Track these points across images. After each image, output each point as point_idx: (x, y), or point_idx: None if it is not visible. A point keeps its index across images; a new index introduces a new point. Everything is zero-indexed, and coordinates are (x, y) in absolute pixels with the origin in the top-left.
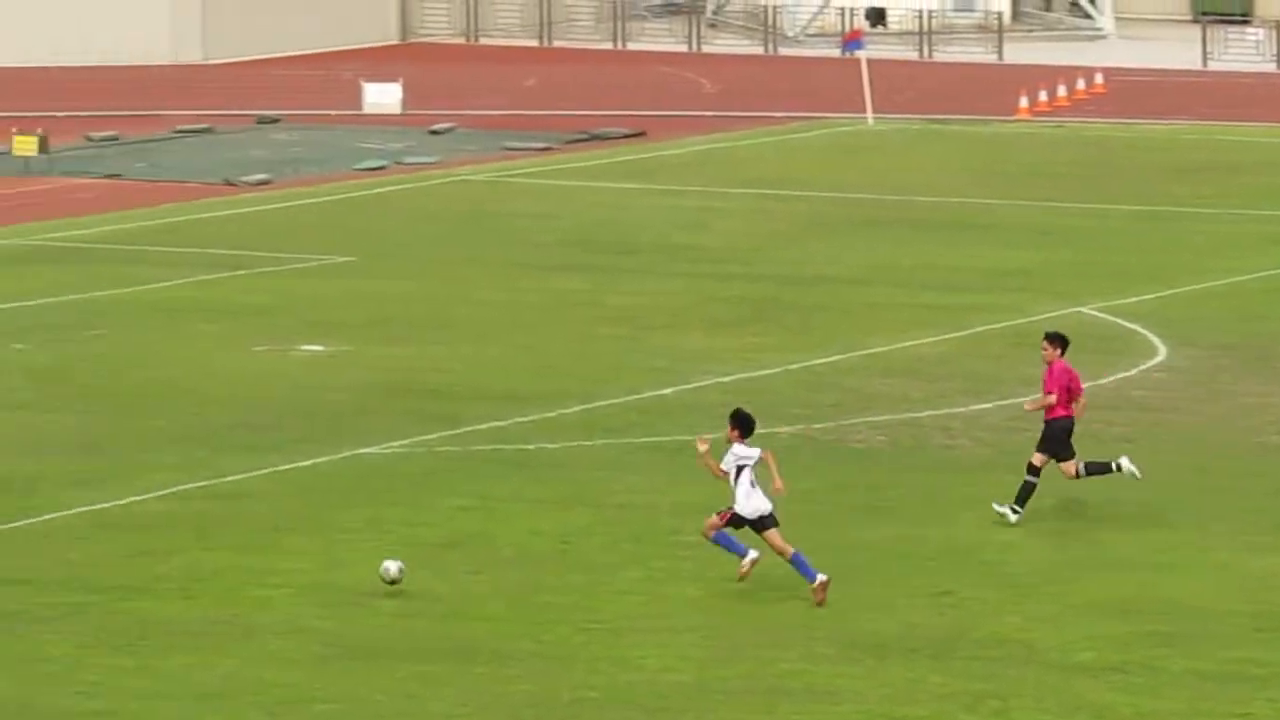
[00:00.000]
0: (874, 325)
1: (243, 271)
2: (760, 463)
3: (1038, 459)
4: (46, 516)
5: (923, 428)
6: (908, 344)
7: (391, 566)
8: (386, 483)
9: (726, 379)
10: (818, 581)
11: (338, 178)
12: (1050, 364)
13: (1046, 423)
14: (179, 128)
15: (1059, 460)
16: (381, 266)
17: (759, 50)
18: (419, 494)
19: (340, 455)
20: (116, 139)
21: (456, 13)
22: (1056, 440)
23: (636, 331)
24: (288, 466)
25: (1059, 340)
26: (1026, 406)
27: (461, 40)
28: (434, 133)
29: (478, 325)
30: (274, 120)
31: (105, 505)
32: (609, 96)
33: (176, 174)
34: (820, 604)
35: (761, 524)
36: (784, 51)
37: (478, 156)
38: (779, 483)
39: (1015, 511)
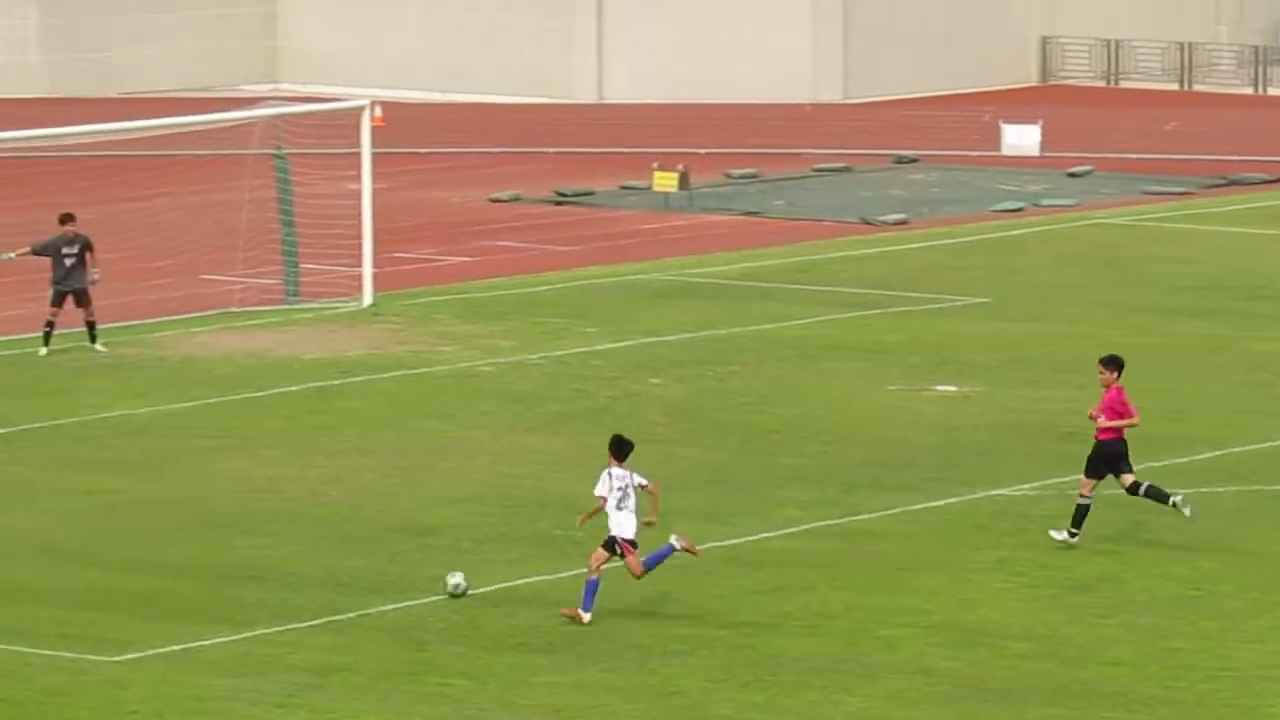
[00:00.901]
0: None
1: (877, 311)
2: (643, 490)
3: (1086, 485)
4: None
5: None
6: None
7: (453, 580)
8: (1017, 524)
9: None
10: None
11: (974, 219)
12: (1107, 388)
13: (1095, 443)
14: (817, 166)
15: (1115, 475)
16: (1015, 308)
17: None
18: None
19: (972, 496)
20: (756, 176)
21: (1097, 55)
22: (1101, 461)
23: (1273, 378)
24: (919, 506)
25: (1114, 364)
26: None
27: (1101, 83)
28: (1072, 175)
29: None
30: (912, 160)
31: (736, 541)
32: (1249, 142)
33: (813, 212)
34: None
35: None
36: None
37: (1115, 200)
38: (653, 517)
39: (1072, 534)
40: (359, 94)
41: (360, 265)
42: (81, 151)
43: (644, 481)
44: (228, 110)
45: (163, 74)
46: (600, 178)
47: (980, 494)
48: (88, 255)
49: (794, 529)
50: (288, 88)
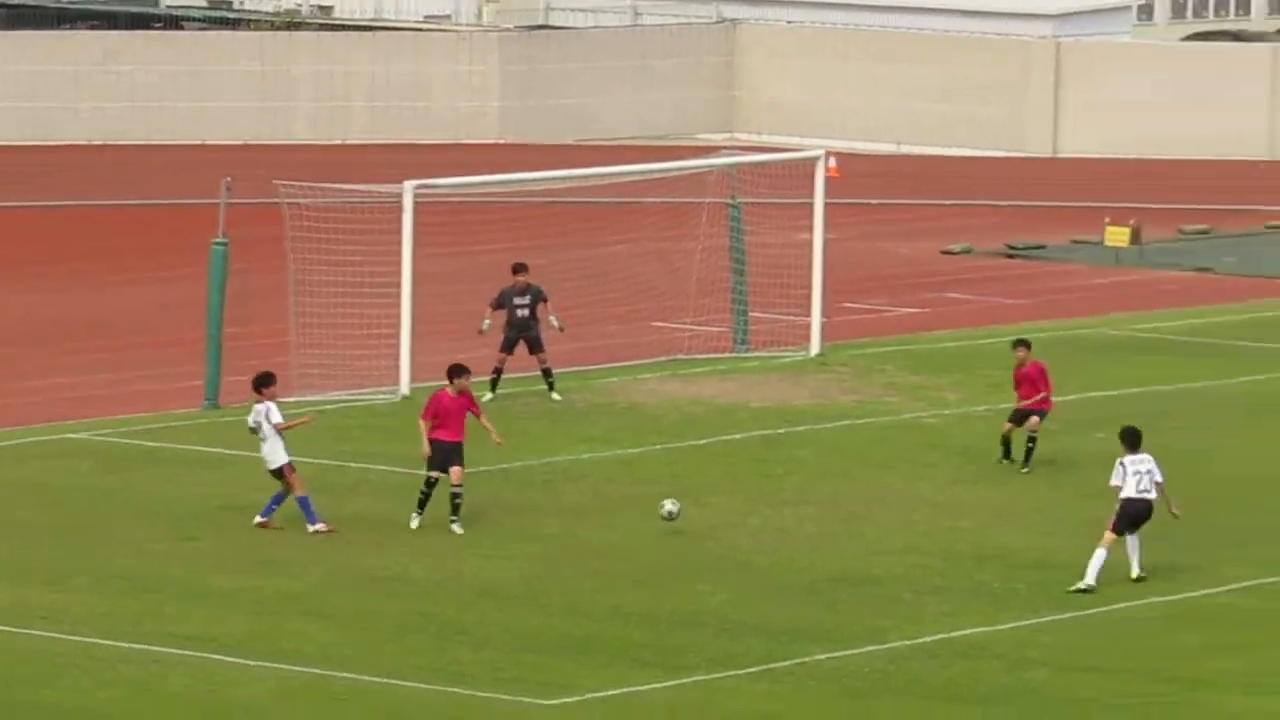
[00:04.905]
0: None
1: None
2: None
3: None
4: (1119, 605)
5: None
6: None
7: (667, 506)
8: None
9: None
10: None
11: None
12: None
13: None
14: (1271, 223)
15: None
16: None
17: None
18: None
19: None
20: (1208, 232)
21: None
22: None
23: None
24: None
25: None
26: None
27: None
28: None
29: None
30: None
31: (1177, 597)
32: None
33: (1267, 269)
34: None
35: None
36: None
37: None
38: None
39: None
40: (814, 144)
41: (809, 315)
42: (537, 199)
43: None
44: (684, 158)
45: (620, 122)
46: (1052, 232)
47: None
48: (540, 306)
49: (1235, 586)
50: (743, 137)
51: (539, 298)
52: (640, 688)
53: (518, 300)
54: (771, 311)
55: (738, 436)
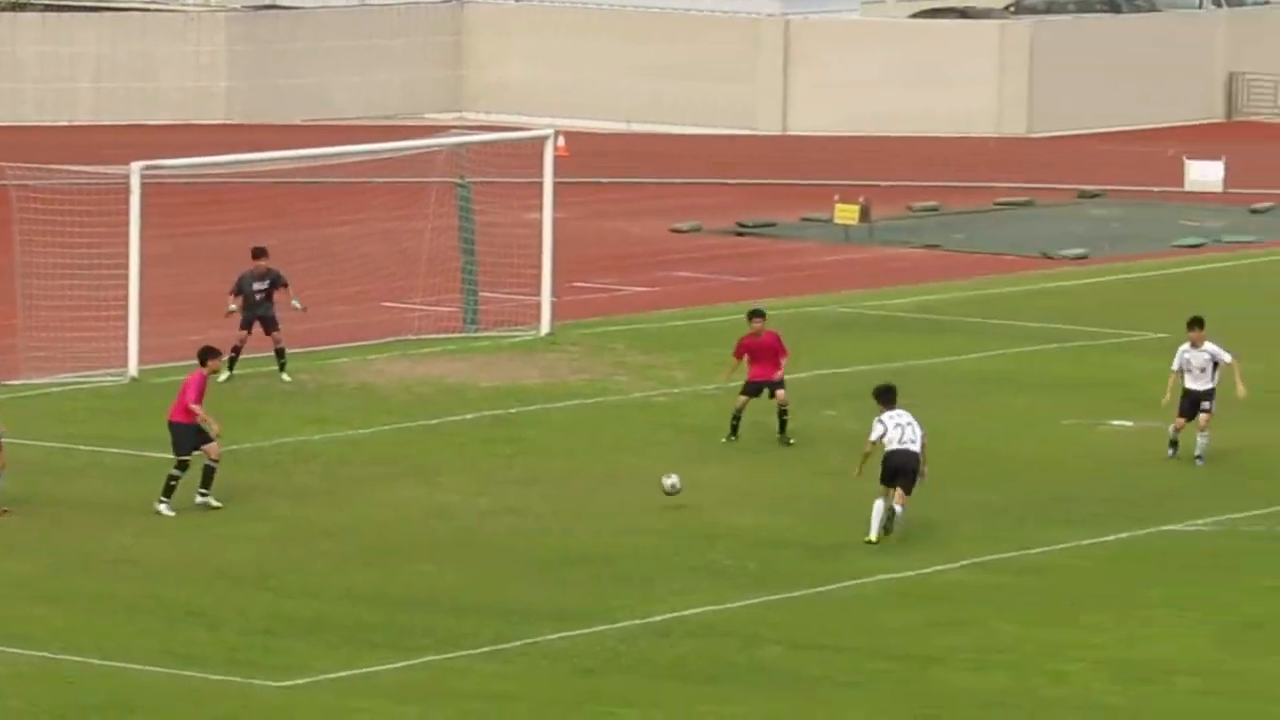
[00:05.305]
0: None
1: (1055, 345)
2: None
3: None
4: (849, 583)
5: None
6: None
7: (668, 481)
8: (1190, 560)
9: None
10: None
11: (1155, 255)
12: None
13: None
14: (1000, 200)
15: None
16: None
17: None
18: (1223, 572)
19: (1145, 531)
20: (937, 209)
21: None
22: None
23: None
24: (1090, 541)
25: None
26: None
27: None
28: (1255, 212)
29: None
30: (1095, 195)
31: (906, 574)
32: None
33: (993, 246)
34: None
35: None
36: None
37: None
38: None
39: None
40: (543, 124)
41: (539, 294)
42: (266, 179)
43: None
44: (412, 139)
45: (348, 102)
46: (782, 210)
47: (1152, 529)
48: (279, 291)
49: (964, 562)
50: (472, 117)
51: (278, 283)
52: (372, 668)
53: (257, 285)
54: (501, 291)
55: (468, 416)
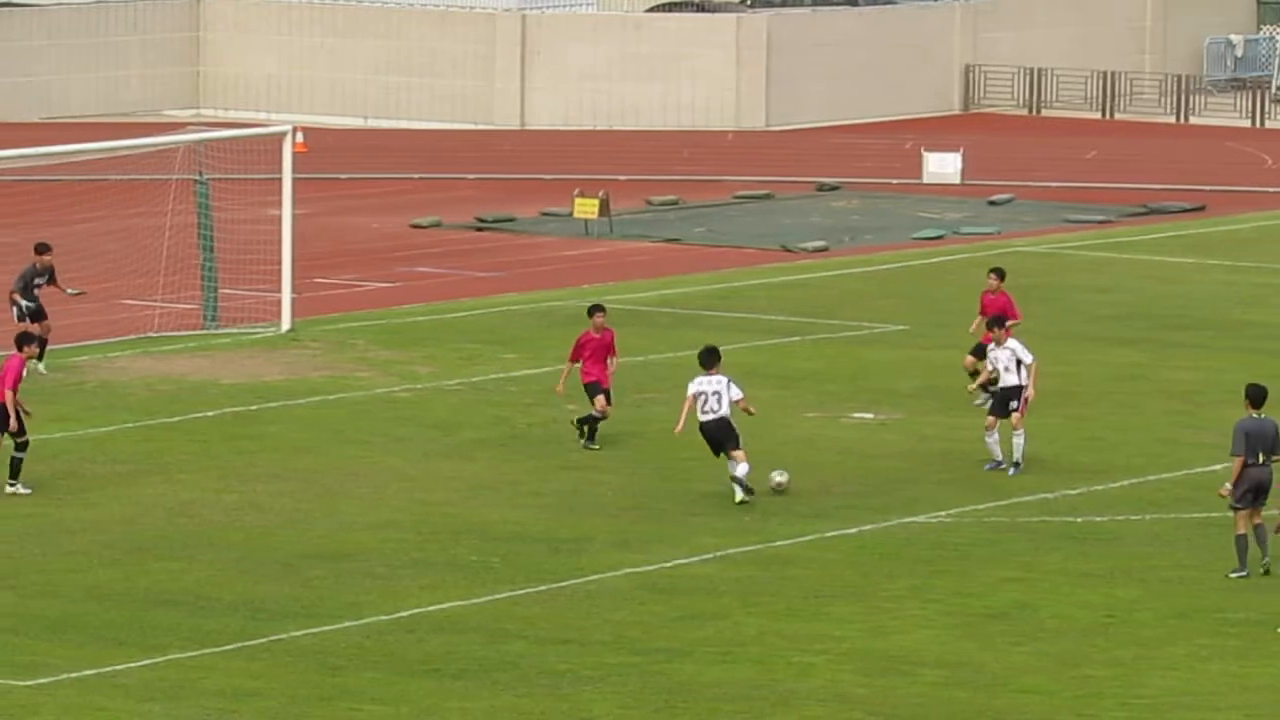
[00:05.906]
0: None
1: (797, 338)
2: None
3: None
4: (593, 577)
5: None
6: None
7: (778, 478)
8: (933, 552)
9: None
10: None
11: (895, 247)
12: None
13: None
14: (739, 193)
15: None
16: (934, 336)
17: None
18: (965, 564)
19: (887, 523)
20: (677, 203)
21: (1020, 84)
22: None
23: (1190, 407)
24: (834, 533)
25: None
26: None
27: (1024, 111)
28: (992, 203)
29: None
30: (834, 188)
31: (651, 568)
32: (1170, 170)
33: (734, 239)
34: None
35: None
36: None
37: (1036, 228)
38: None
39: None
40: (281, 120)
41: (279, 291)
42: (4, 177)
43: None
44: (150, 135)
45: (86, 100)
46: (521, 204)
47: (895, 521)
48: (50, 286)
49: (709, 555)
50: (210, 113)
51: (52, 279)
52: (117, 667)
53: (38, 281)
54: (242, 288)
55: (210, 413)
